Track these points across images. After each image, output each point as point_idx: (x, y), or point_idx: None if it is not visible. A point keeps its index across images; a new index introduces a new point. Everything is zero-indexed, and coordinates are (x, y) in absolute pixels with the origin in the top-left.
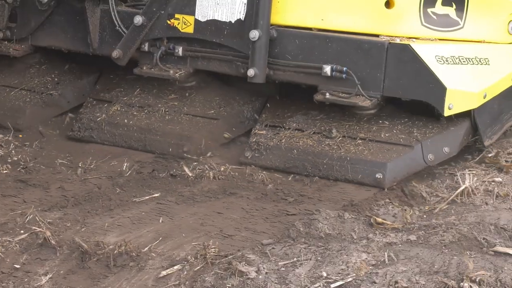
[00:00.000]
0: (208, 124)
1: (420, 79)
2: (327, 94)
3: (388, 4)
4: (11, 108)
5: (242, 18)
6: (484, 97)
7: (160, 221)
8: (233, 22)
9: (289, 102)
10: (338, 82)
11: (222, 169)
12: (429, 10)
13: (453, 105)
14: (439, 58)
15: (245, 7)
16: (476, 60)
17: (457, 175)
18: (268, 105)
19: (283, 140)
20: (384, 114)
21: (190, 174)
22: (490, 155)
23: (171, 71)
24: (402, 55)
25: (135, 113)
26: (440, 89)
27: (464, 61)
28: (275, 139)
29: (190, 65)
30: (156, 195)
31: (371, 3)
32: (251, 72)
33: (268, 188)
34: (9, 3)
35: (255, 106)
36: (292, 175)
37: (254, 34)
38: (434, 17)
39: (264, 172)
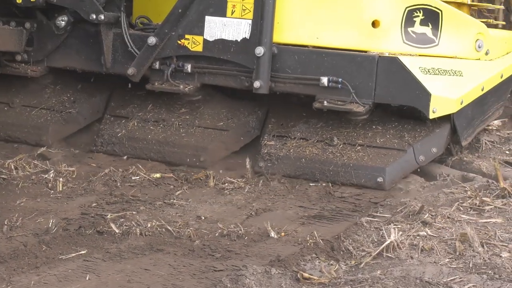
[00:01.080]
0: (220, 135)
1: (407, 87)
2: (325, 102)
3: (374, 24)
4: (34, 126)
5: (248, 37)
6: (461, 103)
7: (87, 278)
8: (239, 40)
9: (289, 111)
10: (334, 91)
11: (148, 225)
12: (409, 29)
13: (436, 109)
14: (422, 69)
15: (250, 27)
16: (452, 72)
17: (382, 230)
18: (271, 115)
19: (291, 150)
20: (376, 119)
21: (116, 231)
22: (415, 209)
23: (181, 86)
24: (391, 67)
25: (151, 127)
26: (425, 95)
27: (442, 72)
28: (284, 149)
29: (197, 80)
30: (83, 252)
31: (359, 23)
32: (257, 84)
33: (195, 244)
34: (27, 29)
35: (258, 116)
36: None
37: (260, 50)
38: (414, 35)
39: (190, 229)
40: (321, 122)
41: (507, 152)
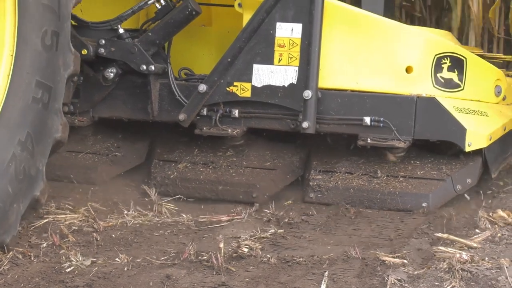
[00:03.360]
0: (269, 174)
1: (445, 124)
2: (369, 139)
3: (407, 70)
4: (83, 166)
5: (295, 82)
6: (490, 139)
7: None
8: (286, 85)
9: (330, 151)
10: (376, 130)
11: None
12: (438, 74)
13: (471, 143)
14: (456, 108)
15: (297, 73)
16: (479, 112)
17: None
18: (313, 155)
19: (339, 182)
20: (413, 155)
21: None
22: None
23: (229, 130)
24: (429, 106)
25: (201, 169)
26: (461, 131)
27: (472, 112)
28: (332, 181)
29: (244, 124)
30: None
31: (394, 69)
32: (305, 124)
33: None
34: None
35: (301, 156)
36: None
37: (308, 93)
38: (442, 80)
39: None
40: (362, 159)
41: None
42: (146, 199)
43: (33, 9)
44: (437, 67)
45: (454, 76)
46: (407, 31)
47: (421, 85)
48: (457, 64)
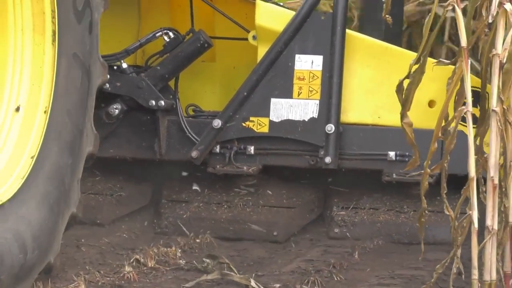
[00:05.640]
0: (288, 212)
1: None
2: (394, 175)
3: (430, 104)
4: (88, 206)
5: (316, 116)
6: None
7: None
8: (306, 120)
9: (349, 188)
10: (401, 165)
11: None
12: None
13: None
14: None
15: (318, 107)
16: None
17: None
18: (332, 193)
19: (365, 217)
20: (436, 190)
21: None
22: None
23: (244, 168)
24: (456, 140)
25: (215, 208)
26: None
27: None
28: (358, 217)
29: (259, 161)
30: None
31: (417, 104)
32: (328, 159)
33: None
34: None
35: (319, 195)
36: None
37: (330, 127)
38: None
39: None
40: (385, 196)
41: None
42: None
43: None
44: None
45: (476, 111)
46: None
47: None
48: (476, 97)
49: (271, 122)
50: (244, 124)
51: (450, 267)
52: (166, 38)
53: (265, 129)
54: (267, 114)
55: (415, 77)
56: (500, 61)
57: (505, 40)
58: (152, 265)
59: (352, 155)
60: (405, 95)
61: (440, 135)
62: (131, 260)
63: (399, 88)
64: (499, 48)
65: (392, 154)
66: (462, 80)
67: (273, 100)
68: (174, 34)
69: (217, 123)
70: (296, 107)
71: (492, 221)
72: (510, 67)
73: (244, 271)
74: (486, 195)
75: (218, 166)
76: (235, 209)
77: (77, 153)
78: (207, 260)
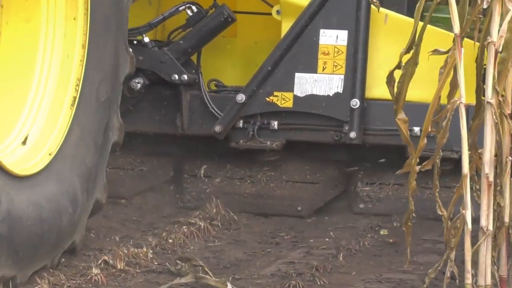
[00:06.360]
0: (312, 188)
1: None
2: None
3: None
4: (110, 181)
5: (340, 91)
6: None
7: None
8: (331, 95)
9: (372, 165)
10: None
11: None
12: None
13: None
14: None
15: (343, 82)
16: None
17: None
18: (356, 169)
19: (390, 193)
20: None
21: None
22: None
23: (268, 143)
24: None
25: (238, 183)
26: None
27: None
28: (382, 192)
29: (282, 137)
30: None
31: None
32: (352, 134)
33: None
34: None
35: (342, 170)
36: None
37: (355, 102)
38: None
39: None
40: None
41: None
42: None
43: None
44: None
45: None
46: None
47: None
48: None
49: (295, 97)
50: (268, 99)
51: (442, 271)
52: (189, 12)
53: (289, 104)
54: (291, 89)
55: (407, 68)
56: (496, 50)
57: (501, 27)
58: (122, 267)
59: (377, 130)
60: (397, 88)
61: (430, 129)
62: (99, 262)
63: (390, 80)
64: (494, 36)
65: (416, 129)
66: (455, 69)
67: (297, 74)
68: (197, 8)
69: (241, 97)
70: (321, 82)
71: (486, 221)
72: (506, 56)
73: (220, 274)
74: (480, 193)
75: (241, 141)
76: (259, 184)
77: (104, 142)
78: (181, 262)
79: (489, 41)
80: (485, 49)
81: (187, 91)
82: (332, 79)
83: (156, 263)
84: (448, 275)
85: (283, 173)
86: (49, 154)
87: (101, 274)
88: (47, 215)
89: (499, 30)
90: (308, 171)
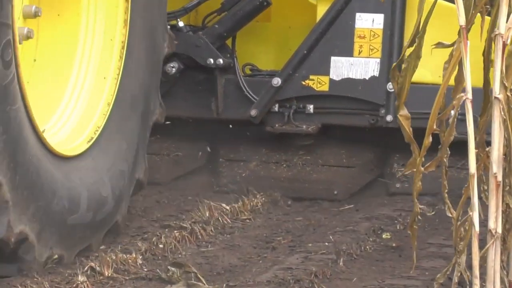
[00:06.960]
0: (348, 172)
1: None
2: (456, 133)
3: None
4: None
5: (377, 75)
6: None
7: None
8: (367, 78)
9: (406, 147)
10: (461, 124)
11: None
12: None
13: None
14: None
15: (379, 65)
16: None
17: None
18: (390, 152)
19: (426, 173)
20: None
21: None
22: None
23: (304, 127)
24: None
25: (274, 167)
26: None
27: None
28: None
29: (318, 121)
30: None
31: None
32: (389, 117)
33: None
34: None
35: (377, 155)
36: None
37: (392, 85)
38: None
39: None
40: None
41: None
42: None
43: None
44: None
45: None
46: None
47: None
48: None
49: (331, 81)
50: (303, 83)
51: (449, 276)
52: None
53: (325, 88)
54: (327, 73)
55: (410, 62)
56: (503, 42)
57: (508, 18)
58: (109, 274)
59: (413, 113)
60: (399, 83)
61: (435, 127)
62: (85, 269)
63: (393, 75)
64: (502, 28)
65: (452, 113)
66: (460, 63)
67: (333, 58)
68: None
69: (276, 81)
70: (357, 66)
71: (495, 223)
72: None
73: (213, 281)
74: (488, 194)
75: (276, 125)
76: (294, 168)
77: (145, 120)
78: (172, 269)
79: (496, 33)
80: (492, 41)
81: (222, 75)
82: (368, 63)
83: (145, 270)
84: (456, 281)
85: (318, 157)
86: (91, 138)
87: (87, 282)
88: (93, 195)
89: (507, 22)
90: (344, 155)
